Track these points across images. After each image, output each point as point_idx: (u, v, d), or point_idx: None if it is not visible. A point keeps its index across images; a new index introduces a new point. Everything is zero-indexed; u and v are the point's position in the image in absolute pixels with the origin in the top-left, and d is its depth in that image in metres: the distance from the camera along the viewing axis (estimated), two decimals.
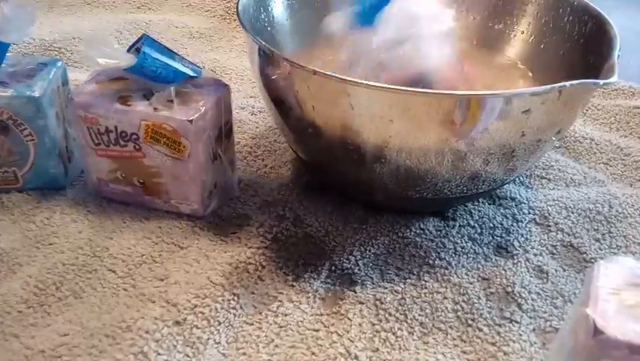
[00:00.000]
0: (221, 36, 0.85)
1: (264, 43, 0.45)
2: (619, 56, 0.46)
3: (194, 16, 0.89)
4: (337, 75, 0.42)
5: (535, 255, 0.51)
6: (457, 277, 0.48)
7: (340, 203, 0.55)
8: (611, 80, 0.41)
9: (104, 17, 0.86)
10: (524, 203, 0.56)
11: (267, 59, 0.47)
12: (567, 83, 0.40)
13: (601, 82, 0.41)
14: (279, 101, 0.50)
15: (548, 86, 0.41)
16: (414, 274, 0.48)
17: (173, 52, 0.51)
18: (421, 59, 0.47)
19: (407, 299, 0.46)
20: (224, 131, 0.53)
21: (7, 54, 0.53)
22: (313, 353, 0.42)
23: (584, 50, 0.53)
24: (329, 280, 0.48)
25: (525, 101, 0.42)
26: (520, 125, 0.43)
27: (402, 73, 0.47)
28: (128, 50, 0.50)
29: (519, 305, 0.46)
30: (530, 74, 0.57)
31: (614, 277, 0.34)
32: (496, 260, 0.50)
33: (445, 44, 0.48)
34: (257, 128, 0.65)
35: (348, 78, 0.41)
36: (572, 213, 0.55)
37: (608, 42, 0.48)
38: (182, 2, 0.92)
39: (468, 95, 0.42)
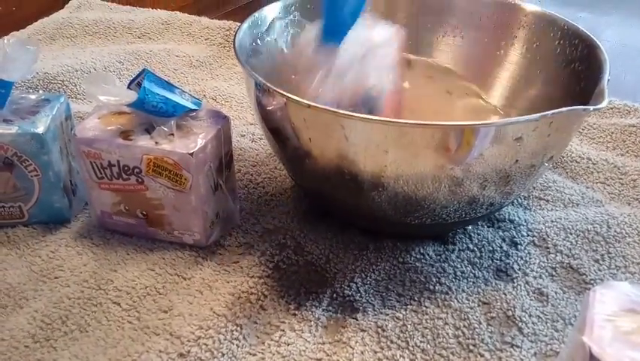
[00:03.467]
0: (220, 64, 0.86)
1: (259, 78, 0.46)
2: (609, 80, 0.46)
3: (194, 45, 0.91)
4: (330, 108, 0.43)
5: (534, 277, 0.51)
6: (458, 302, 0.49)
7: (340, 229, 0.55)
8: (601, 105, 0.42)
9: (106, 48, 0.87)
10: (523, 225, 0.56)
11: (263, 92, 0.48)
12: (557, 111, 0.41)
13: (591, 108, 0.42)
14: (277, 131, 0.51)
15: (538, 115, 0.41)
16: (415, 300, 0.49)
17: (173, 85, 0.52)
18: (366, 86, 0.50)
19: (408, 326, 0.46)
20: (224, 162, 0.54)
21: (11, 91, 0.54)
22: None
23: (575, 74, 0.54)
24: (331, 308, 0.48)
25: (516, 129, 0.42)
26: (514, 152, 0.44)
27: (350, 96, 0.50)
28: (130, 84, 0.52)
29: (520, 329, 0.46)
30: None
31: (609, 303, 0.35)
32: (496, 284, 0.50)
33: (389, 74, 0.51)
34: (257, 155, 0.66)
35: (341, 111, 0.42)
36: (571, 234, 0.55)
37: (599, 66, 0.49)
38: (182, 31, 0.94)
39: (460, 125, 0.42)
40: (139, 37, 0.92)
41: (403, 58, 0.54)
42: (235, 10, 1.08)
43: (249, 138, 0.69)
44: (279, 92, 0.45)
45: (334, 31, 0.51)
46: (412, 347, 0.45)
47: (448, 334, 0.46)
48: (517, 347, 0.45)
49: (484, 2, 0.63)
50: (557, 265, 0.52)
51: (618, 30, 1.05)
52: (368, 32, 0.51)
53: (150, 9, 1.01)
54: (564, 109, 0.41)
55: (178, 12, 0.99)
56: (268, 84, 0.46)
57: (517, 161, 0.45)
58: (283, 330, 0.46)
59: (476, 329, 0.46)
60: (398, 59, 0.51)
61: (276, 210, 0.58)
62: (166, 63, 0.84)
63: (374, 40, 0.51)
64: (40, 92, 0.62)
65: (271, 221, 0.57)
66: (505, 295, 0.49)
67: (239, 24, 0.84)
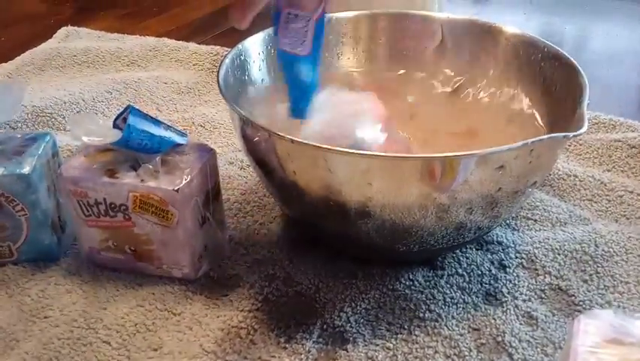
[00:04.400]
0: (209, 89, 0.86)
1: (243, 113, 0.47)
2: (588, 104, 0.47)
3: (183, 71, 0.91)
4: (313, 143, 0.43)
5: (524, 301, 0.51)
6: (448, 329, 0.49)
7: (329, 257, 0.55)
8: (581, 131, 0.42)
9: (94, 78, 0.88)
10: (511, 247, 0.56)
11: (247, 126, 0.49)
12: (537, 139, 0.42)
13: (571, 135, 0.42)
14: (262, 163, 0.51)
15: (518, 143, 0.42)
16: (405, 329, 0.49)
17: (159, 120, 0.53)
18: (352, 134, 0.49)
19: (399, 356, 0.46)
20: (211, 195, 0.54)
21: None
22: None
23: (556, 96, 0.54)
24: (321, 340, 0.48)
25: (498, 158, 0.43)
26: (497, 180, 0.44)
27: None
28: (116, 120, 0.52)
29: (510, 355, 0.46)
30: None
31: (593, 334, 0.35)
32: (485, 309, 0.50)
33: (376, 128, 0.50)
34: (246, 183, 0.66)
35: (323, 146, 0.43)
36: (559, 254, 0.55)
37: (579, 90, 0.49)
38: (170, 57, 0.94)
39: (441, 157, 0.43)
40: (127, 65, 0.93)
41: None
42: (224, 33, 1.09)
43: (238, 165, 0.69)
44: (262, 128, 0.45)
45: (299, 108, 0.51)
46: None
47: None
48: None
49: (464, 25, 0.63)
50: (546, 287, 0.52)
51: (604, 40, 1.05)
52: (339, 97, 0.51)
53: (138, 36, 1.01)
54: (544, 137, 0.42)
55: (166, 38, 1.00)
56: (251, 120, 0.46)
57: (500, 188, 0.45)
58: None
59: (466, 357, 0.46)
60: (382, 117, 0.51)
61: (265, 239, 0.58)
62: (154, 91, 0.84)
63: (350, 103, 0.51)
64: (26, 130, 0.62)
65: (260, 251, 0.57)
66: (495, 320, 0.49)
67: (227, 49, 0.85)
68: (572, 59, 0.53)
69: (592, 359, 0.33)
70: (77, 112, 0.78)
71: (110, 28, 1.05)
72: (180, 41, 0.98)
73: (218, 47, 0.95)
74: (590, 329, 0.35)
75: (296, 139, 0.43)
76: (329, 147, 0.43)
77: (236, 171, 0.68)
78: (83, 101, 0.80)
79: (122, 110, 0.52)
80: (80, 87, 0.83)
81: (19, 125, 0.74)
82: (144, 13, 1.18)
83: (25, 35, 1.05)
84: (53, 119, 0.76)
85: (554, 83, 0.55)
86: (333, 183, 0.45)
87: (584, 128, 0.43)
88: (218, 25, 1.12)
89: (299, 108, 0.51)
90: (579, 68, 0.52)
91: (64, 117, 0.77)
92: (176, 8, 1.20)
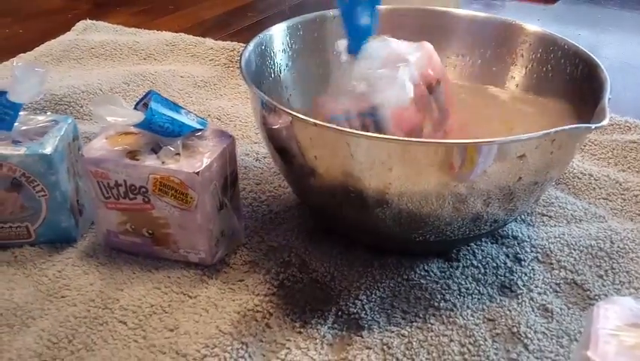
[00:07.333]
0: (225, 84, 0.87)
1: (266, 97, 0.47)
2: (610, 98, 0.47)
3: (199, 66, 0.92)
4: (336, 127, 0.43)
5: (539, 294, 0.51)
6: (463, 318, 0.49)
7: (345, 246, 0.56)
8: (602, 123, 0.43)
9: (112, 70, 0.88)
10: (526, 241, 0.56)
11: (269, 111, 0.49)
12: (560, 129, 0.42)
13: (592, 126, 0.42)
14: (282, 150, 0.51)
15: (541, 132, 0.42)
16: (420, 317, 0.49)
17: (179, 106, 0.53)
18: (373, 95, 0.50)
19: (414, 343, 0.47)
20: (229, 181, 0.54)
21: (20, 112, 0.55)
22: None
23: (576, 92, 0.55)
24: (336, 326, 0.48)
25: (520, 147, 0.43)
26: (517, 170, 0.45)
27: (358, 105, 0.50)
28: (137, 105, 0.52)
29: (525, 346, 0.46)
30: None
31: (613, 318, 0.35)
32: (500, 300, 0.50)
33: (399, 87, 0.50)
34: (262, 173, 0.67)
35: (347, 130, 0.43)
36: (574, 250, 0.55)
37: (599, 85, 0.50)
38: (187, 52, 0.95)
39: (463, 143, 0.43)
40: (144, 59, 0.94)
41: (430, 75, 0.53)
42: (239, 31, 1.10)
43: (254, 156, 0.70)
44: (285, 111, 0.46)
45: (354, 43, 0.52)
46: None
47: (453, 351, 0.46)
48: None
49: (486, 22, 0.64)
50: (561, 281, 0.52)
51: (618, 47, 1.06)
52: (390, 46, 0.52)
53: (155, 31, 1.02)
54: (566, 127, 0.42)
55: (182, 33, 1.01)
56: (274, 103, 0.47)
57: (520, 178, 0.45)
58: (289, 348, 0.46)
59: (482, 346, 0.46)
60: (420, 73, 0.51)
61: (280, 227, 0.59)
62: (171, 84, 0.85)
63: (395, 55, 0.52)
64: (48, 113, 0.63)
65: (276, 239, 0.57)
66: (510, 311, 0.49)
67: (243, 45, 0.86)
68: (592, 55, 0.54)
69: (613, 342, 0.33)
70: None
71: (125, 24, 1.06)
72: (197, 37, 0.99)
73: (235, 42, 0.96)
74: (610, 313, 0.35)
75: (319, 122, 0.44)
76: (353, 131, 0.43)
77: (252, 162, 0.69)
78: (101, 91, 0.81)
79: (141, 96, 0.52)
80: (97, 78, 0.84)
81: (38, 112, 0.75)
82: (159, 10, 1.19)
83: (43, 29, 1.06)
84: (72, 108, 0.77)
85: (575, 79, 0.55)
86: (353, 169, 0.46)
87: (606, 121, 0.43)
88: (231, 24, 1.13)
89: (356, 47, 0.52)
90: (599, 63, 0.52)
91: (82, 106, 0.78)
92: (190, 7, 1.22)
